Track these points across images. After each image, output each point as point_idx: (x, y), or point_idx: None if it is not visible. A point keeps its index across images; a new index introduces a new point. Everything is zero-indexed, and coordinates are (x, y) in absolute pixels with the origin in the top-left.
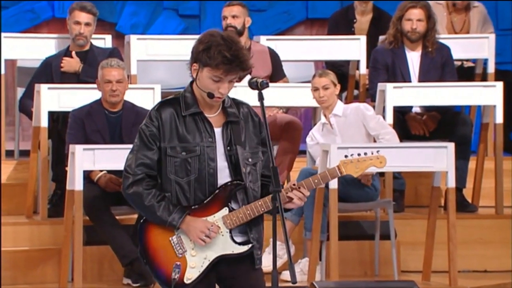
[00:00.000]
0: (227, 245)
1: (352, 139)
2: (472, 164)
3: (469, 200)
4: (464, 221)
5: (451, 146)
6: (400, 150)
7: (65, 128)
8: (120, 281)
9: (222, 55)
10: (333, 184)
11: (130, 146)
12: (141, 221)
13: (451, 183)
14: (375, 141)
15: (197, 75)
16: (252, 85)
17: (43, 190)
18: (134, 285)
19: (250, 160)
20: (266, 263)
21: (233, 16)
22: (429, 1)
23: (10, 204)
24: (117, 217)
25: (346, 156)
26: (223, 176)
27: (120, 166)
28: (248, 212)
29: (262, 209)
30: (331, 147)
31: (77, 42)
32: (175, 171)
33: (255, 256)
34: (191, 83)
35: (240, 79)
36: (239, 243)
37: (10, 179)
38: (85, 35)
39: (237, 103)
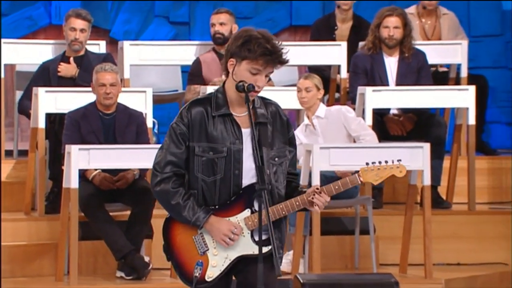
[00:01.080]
0: (248, 246)
1: (333, 139)
2: (446, 163)
3: (444, 197)
4: (438, 217)
5: (426, 146)
6: (379, 150)
7: (62, 129)
8: (114, 274)
9: (263, 47)
10: (316, 182)
11: (123, 146)
12: (166, 218)
13: (427, 181)
14: (355, 141)
15: (234, 70)
16: (239, 88)
17: (40, 188)
18: (127, 278)
19: (276, 159)
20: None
21: (221, 23)
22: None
23: (9, 201)
24: (110, 214)
25: (367, 164)
26: (249, 176)
27: (114, 165)
28: (270, 214)
29: (283, 213)
30: (314, 147)
31: (72, 47)
32: (202, 170)
33: (275, 256)
34: (224, 83)
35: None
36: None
37: (10, 178)
38: (80, 40)
39: (266, 103)
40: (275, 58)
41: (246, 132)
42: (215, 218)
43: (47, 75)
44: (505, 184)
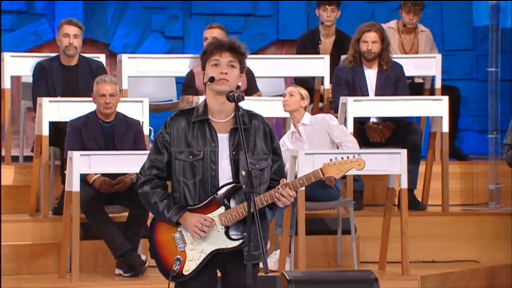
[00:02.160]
0: (221, 240)
1: (318, 146)
2: (422, 168)
3: (420, 200)
4: (415, 218)
5: (403, 152)
6: (360, 156)
7: None
8: (113, 272)
9: (213, 42)
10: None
11: (122, 152)
12: (152, 219)
13: (404, 184)
14: (338, 147)
15: (204, 77)
16: (230, 98)
17: (44, 191)
18: (125, 275)
19: (256, 166)
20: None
21: (213, 38)
22: (382, 25)
23: (15, 204)
24: (110, 215)
25: (331, 160)
26: (226, 178)
27: (113, 169)
28: (241, 210)
29: (258, 206)
30: (299, 153)
31: (67, 53)
32: (183, 173)
33: (244, 252)
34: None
35: (242, 69)
36: (233, 239)
37: (16, 182)
38: (74, 45)
39: (250, 114)
40: (227, 46)
41: (223, 137)
42: (188, 214)
43: (44, 74)
44: (476, 187)
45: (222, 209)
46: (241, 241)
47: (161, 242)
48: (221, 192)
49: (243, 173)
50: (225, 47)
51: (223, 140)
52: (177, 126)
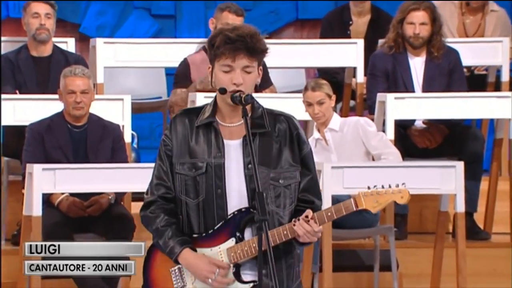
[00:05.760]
0: (229, 284)
1: (349, 157)
2: (484, 185)
3: (481, 226)
4: (475, 250)
5: (460, 165)
6: (403, 169)
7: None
8: None
9: (224, 35)
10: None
11: (97, 165)
12: (149, 246)
13: (460, 207)
14: (374, 160)
15: (212, 78)
16: (235, 99)
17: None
18: None
19: (281, 181)
20: None
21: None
22: (435, 1)
23: None
24: None
25: (369, 188)
26: (238, 197)
27: (85, 188)
28: (254, 245)
29: (274, 242)
30: (325, 167)
31: (39, 37)
32: (186, 191)
33: None
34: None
35: (259, 65)
36: (244, 282)
37: None
38: (47, 27)
39: (274, 115)
40: (240, 45)
41: (232, 144)
42: (191, 254)
43: (11, 68)
44: None
45: (231, 242)
46: (252, 284)
47: (155, 275)
48: (233, 218)
49: (266, 193)
50: (241, 50)
51: (233, 148)
52: (179, 130)
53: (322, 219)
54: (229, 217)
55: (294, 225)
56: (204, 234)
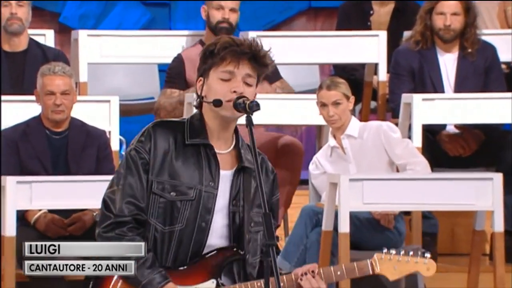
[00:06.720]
0: None
1: (370, 168)
2: None
3: None
4: None
5: (498, 177)
6: (432, 182)
7: None
8: None
9: (225, 40)
10: (344, 227)
11: (79, 177)
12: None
13: (499, 225)
14: (398, 171)
15: (202, 90)
16: (239, 106)
17: None
18: None
19: (252, 225)
20: None
21: (231, 9)
22: None
23: None
24: None
25: (388, 251)
26: (218, 235)
27: (66, 203)
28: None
29: None
30: (342, 179)
31: (10, 28)
32: (158, 214)
33: None
34: (201, 110)
35: (258, 83)
36: None
37: None
38: (19, 16)
39: (254, 149)
40: (246, 50)
41: (227, 175)
42: None
43: None
44: None
45: (211, 284)
46: None
47: None
48: (214, 257)
49: (248, 236)
50: (247, 55)
51: (224, 180)
52: (159, 143)
53: (330, 276)
54: (210, 254)
55: (301, 279)
56: (171, 269)
